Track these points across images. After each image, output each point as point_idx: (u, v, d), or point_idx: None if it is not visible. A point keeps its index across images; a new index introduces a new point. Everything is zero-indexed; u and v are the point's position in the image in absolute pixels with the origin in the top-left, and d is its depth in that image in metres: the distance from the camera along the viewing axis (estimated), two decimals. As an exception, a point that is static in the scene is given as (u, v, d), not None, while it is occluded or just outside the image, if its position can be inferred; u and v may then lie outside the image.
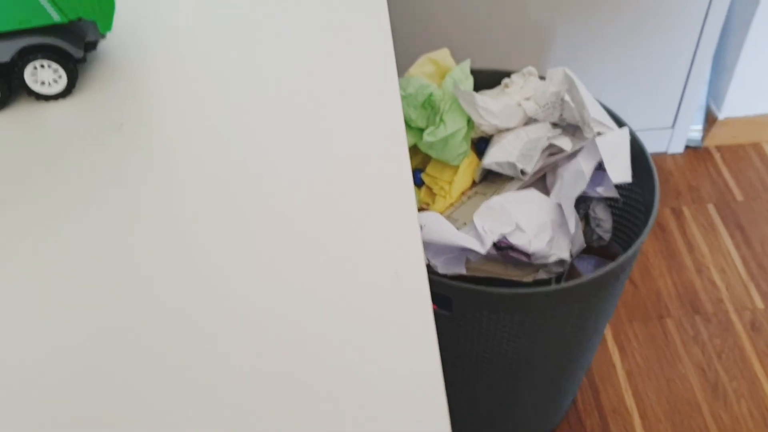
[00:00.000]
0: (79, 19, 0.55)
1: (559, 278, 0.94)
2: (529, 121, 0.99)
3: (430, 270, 0.87)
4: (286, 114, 0.54)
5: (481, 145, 1.02)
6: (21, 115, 0.56)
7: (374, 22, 0.63)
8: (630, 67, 1.42)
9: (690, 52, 1.41)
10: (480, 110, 0.94)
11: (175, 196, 0.49)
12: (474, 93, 0.94)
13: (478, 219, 0.84)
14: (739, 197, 1.51)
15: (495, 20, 1.32)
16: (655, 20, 1.35)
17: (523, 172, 0.90)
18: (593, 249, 1.01)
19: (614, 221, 1.03)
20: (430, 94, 0.98)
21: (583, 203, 0.99)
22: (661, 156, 1.59)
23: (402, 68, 1.21)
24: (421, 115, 0.99)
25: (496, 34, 1.34)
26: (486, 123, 0.95)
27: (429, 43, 1.32)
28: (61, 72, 0.56)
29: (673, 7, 1.34)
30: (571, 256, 0.91)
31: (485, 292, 0.82)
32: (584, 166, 0.84)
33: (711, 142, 1.61)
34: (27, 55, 0.55)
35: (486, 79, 1.07)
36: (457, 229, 0.91)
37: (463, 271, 0.85)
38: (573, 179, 0.86)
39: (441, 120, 0.95)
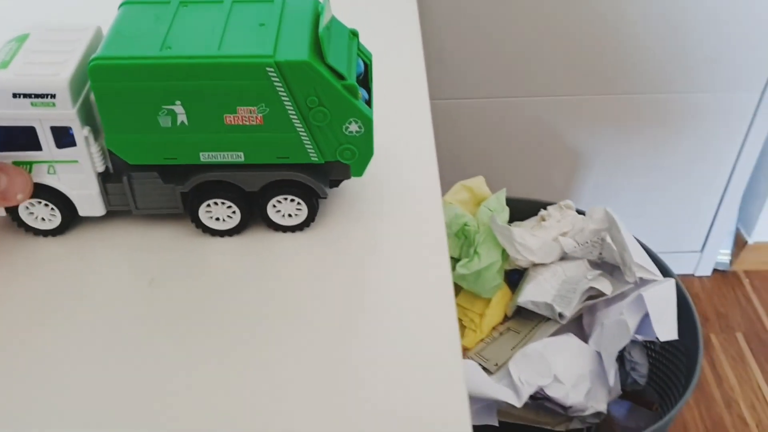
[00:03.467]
0: (336, 161, 0.53)
1: (590, 427, 0.90)
2: (566, 255, 0.95)
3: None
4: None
5: (513, 276, 0.98)
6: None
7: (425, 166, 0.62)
8: (662, 190, 1.40)
9: (724, 179, 1.39)
10: (517, 246, 0.91)
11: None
12: (511, 228, 0.91)
13: (514, 368, 0.80)
14: (769, 327, 1.46)
15: (519, 143, 1.30)
16: (692, 145, 1.34)
17: (561, 316, 0.87)
18: (627, 393, 0.96)
19: (650, 364, 0.98)
20: (465, 224, 0.95)
21: (618, 345, 0.95)
22: (688, 279, 1.55)
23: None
24: (454, 244, 0.96)
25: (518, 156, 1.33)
26: (523, 258, 0.92)
27: (464, 170, 1.28)
28: (303, 207, 0.54)
29: (711, 134, 1.32)
30: (607, 405, 0.86)
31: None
32: (629, 319, 0.80)
33: (740, 267, 1.57)
34: (275, 187, 0.53)
35: (521, 209, 1.05)
36: (489, 371, 0.87)
37: (494, 422, 0.81)
38: (616, 331, 0.82)
39: (475, 252, 0.92)
